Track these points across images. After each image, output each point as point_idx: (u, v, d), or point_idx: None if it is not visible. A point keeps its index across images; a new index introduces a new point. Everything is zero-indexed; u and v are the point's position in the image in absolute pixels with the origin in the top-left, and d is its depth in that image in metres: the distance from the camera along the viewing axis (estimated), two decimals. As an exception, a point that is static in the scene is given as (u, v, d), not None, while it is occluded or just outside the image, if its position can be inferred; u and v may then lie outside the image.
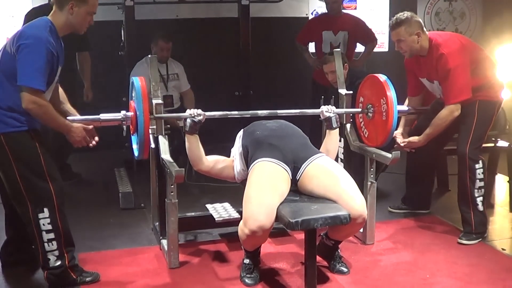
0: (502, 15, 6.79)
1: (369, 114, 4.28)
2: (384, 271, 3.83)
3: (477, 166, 4.30)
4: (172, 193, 3.81)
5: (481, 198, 4.34)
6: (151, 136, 4.03)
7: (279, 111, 4.15)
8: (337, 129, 4.07)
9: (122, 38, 6.40)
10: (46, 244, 3.53)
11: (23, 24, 4.55)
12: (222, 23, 7.18)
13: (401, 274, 3.80)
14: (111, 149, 6.80)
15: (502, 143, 5.73)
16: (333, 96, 4.47)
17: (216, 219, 4.09)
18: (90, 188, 5.80)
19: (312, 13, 7.61)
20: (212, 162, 3.98)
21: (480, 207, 4.34)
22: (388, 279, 3.72)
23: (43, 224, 3.50)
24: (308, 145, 3.83)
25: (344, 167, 4.03)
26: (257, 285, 3.61)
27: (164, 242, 4.05)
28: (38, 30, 3.39)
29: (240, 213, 3.98)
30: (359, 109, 4.36)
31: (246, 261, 3.69)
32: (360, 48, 6.40)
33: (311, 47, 6.50)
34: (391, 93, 4.03)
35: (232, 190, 4.87)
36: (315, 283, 3.45)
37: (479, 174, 4.31)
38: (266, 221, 3.35)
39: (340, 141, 4.42)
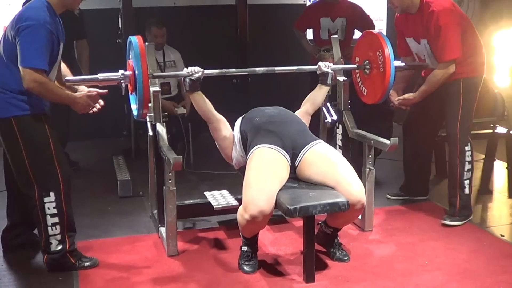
0: (500, 0, 6.76)
1: (366, 70, 4.30)
2: (383, 258, 3.83)
3: (466, 148, 4.38)
4: (170, 181, 3.80)
5: (468, 181, 4.43)
6: (148, 123, 4.04)
7: (276, 68, 4.27)
8: (328, 87, 4.22)
9: (120, 26, 6.38)
10: (49, 228, 3.58)
11: None
12: (220, 10, 7.17)
13: (399, 260, 3.80)
14: (109, 137, 6.84)
15: (500, 129, 5.73)
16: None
17: (214, 207, 4.08)
18: (88, 176, 5.79)
19: (310, 0, 7.58)
20: (221, 118, 3.95)
21: (467, 190, 4.42)
22: (387, 265, 3.72)
23: (48, 208, 3.55)
24: (306, 132, 3.82)
25: (342, 154, 4.02)
26: (255, 272, 3.61)
27: (163, 229, 4.05)
28: (36, 11, 3.42)
29: (239, 200, 4.00)
30: (355, 65, 4.38)
31: (244, 248, 3.68)
32: (358, 34, 6.37)
33: (309, 34, 6.47)
34: (387, 46, 4.06)
35: (231, 177, 4.87)
36: (314, 270, 3.46)
37: (468, 156, 4.39)
38: (266, 206, 3.35)
39: (338, 127, 4.43)
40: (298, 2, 7.56)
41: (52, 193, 3.56)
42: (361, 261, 3.78)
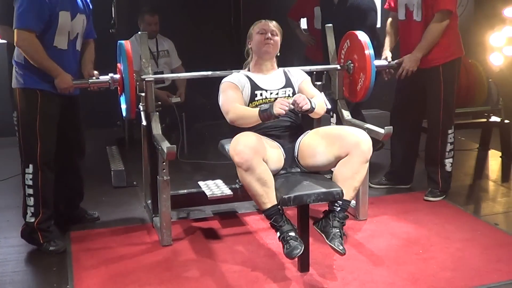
0: (494, 1, 6.72)
1: (349, 70, 4.40)
2: (378, 247, 3.84)
3: (449, 131, 4.58)
4: (164, 171, 3.79)
5: (450, 159, 4.63)
6: (142, 113, 4.03)
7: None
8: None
9: (113, 16, 6.34)
10: (27, 198, 3.83)
11: None
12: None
13: (394, 249, 3.81)
14: (102, 127, 6.81)
15: (494, 119, 5.74)
16: (325, 72, 4.46)
17: (208, 196, 4.07)
18: (82, 166, 5.76)
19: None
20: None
21: (448, 168, 4.64)
22: (382, 254, 3.73)
23: (27, 179, 3.81)
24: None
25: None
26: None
27: (157, 219, 4.04)
28: None
29: (233, 190, 4.05)
30: (338, 66, 4.44)
31: (279, 232, 3.34)
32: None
33: (303, 23, 6.45)
34: (368, 48, 4.17)
35: (225, 167, 4.84)
36: (308, 259, 3.46)
37: (450, 138, 4.60)
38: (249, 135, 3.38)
39: (332, 116, 4.42)
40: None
41: (31, 165, 3.78)
42: (355, 250, 3.78)
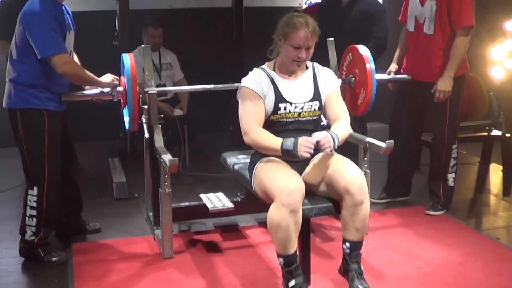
0: (495, 14, 6.73)
1: (350, 84, 4.43)
2: (379, 261, 3.83)
3: (453, 146, 4.58)
4: (166, 183, 3.80)
5: (453, 174, 4.64)
6: (145, 125, 4.05)
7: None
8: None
9: (116, 28, 6.37)
10: (27, 218, 3.80)
11: None
12: (216, 13, 7.16)
13: (395, 264, 3.81)
14: (105, 139, 6.82)
15: (496, 132, 5.75)
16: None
17: (210, 209, 4.07)
18: (84, 178, 5.74)
19: (305, 3, 7.58)
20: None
21: (451, 183, 4.65)
22: (383, 268, 3.73)
23: (29, 200, 3.77)
24: None
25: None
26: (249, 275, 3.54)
27: (158, 232, 4.05)
28: (42, 4, 3.59)
29: (234, 202, 4.02)
30: (340, 79, 4.37)
31: (292, 283, 3.22)
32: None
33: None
34: (370, 65, 4.20)
35: (226, 180, 4.87)
36: (309, 272, 3.44)
37: (454, 153, 4.60)
38: (298, 182, 3.19)
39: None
40: (294, 5, 7.55)
41: (35, 188, 3.75)
42: (356, 264, 3.77)
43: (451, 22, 4.35)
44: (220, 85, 4.23)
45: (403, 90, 4.70)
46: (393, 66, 4.70)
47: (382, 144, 3.88)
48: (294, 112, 3.45)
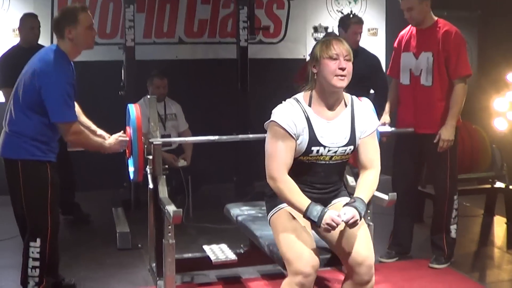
0: (498, 66, 6.80)
1: None
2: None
3: (455, 197, 4.61)
4: (169, 234, 3.79)
5: (455, 226, 4.63)
6: (149, 176, 4.06)
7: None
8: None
9: (122, 78, 6.45)
10: (29, 270, 3.72)
11: None
12: (221, 64, 7.26)
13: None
14: (108, 188, 6.83)
15: (499, 184, 5.75)
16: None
17: (213, 261, 4.05)
18: (87, 228, 5.78)
19: (309, 55, 7.65)
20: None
21: (453, 234, 4.64)
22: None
23: (32, 252, 3.69)
24: None
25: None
26: None
27: (161, 283, 4.02)
28: (56, 66, 3.59)
29: (237, 254, 4.00)
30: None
31: None
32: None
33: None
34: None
35: (230, 231, 4.86)
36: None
37: (455, 204, 4.63)
38: (313, 259, 3.07)
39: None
40: (298, 56, 7.66)
41: (38, 239, 3.69)
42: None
43: (449, 72, 4.41)
44: (225, 137, 4.26)
45: (401, 142, 4.70)
46: (386, 118, 4.68)
47: (385, 197, 3.88)
48: (326, 156, 3.19)
